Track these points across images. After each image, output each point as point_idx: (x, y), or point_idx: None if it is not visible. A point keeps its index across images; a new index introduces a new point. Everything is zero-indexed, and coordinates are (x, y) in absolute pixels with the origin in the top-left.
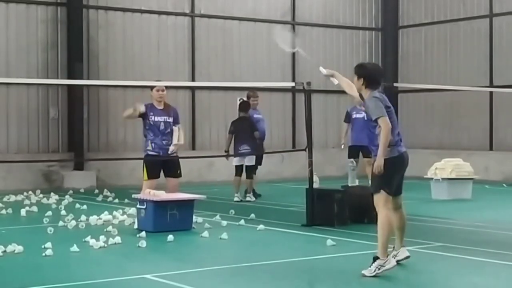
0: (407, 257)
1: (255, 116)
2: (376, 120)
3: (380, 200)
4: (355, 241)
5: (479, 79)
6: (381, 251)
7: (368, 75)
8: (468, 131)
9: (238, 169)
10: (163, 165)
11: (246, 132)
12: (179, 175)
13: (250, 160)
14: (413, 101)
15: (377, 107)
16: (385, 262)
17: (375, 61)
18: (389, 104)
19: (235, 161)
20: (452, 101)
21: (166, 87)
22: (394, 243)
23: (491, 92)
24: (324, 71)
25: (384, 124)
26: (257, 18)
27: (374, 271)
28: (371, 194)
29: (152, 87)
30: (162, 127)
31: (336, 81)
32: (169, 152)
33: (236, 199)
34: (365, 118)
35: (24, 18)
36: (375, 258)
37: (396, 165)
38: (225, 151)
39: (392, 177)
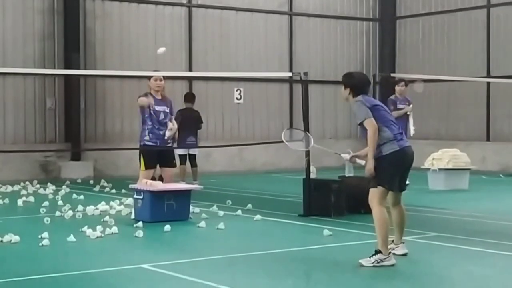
0: (405, 254)
1: None
2: (361, 124)
3: (375, 196)
4: (351, 231)
5: (477, 70)
6: (382, 246)
7: (355, 85)
8: (465, 122)
9: (183, 158)
10: (159, 155)
11: (192, 124)
12: (175, 165)
13: (193, 150)
14: (410, 92)
15: (361, 110)
16: (385, 258)
17: (372, 51)
18: (376, 102)
19: (181, 150)
20: (449, 92)
21: (163, 77)
22: (393, 233)
23: (488, 83)
24: (347, 156)
25: (369, 126)
26: (254, 8)
27: (373, 263)
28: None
29: (149, 77)
30: (161, 117)
31: (363, 162)
32: (165, 138)
33: None
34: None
35: (21, 9)
36: (377, 251)
37: (395, 160)
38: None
39: (392, 173)
